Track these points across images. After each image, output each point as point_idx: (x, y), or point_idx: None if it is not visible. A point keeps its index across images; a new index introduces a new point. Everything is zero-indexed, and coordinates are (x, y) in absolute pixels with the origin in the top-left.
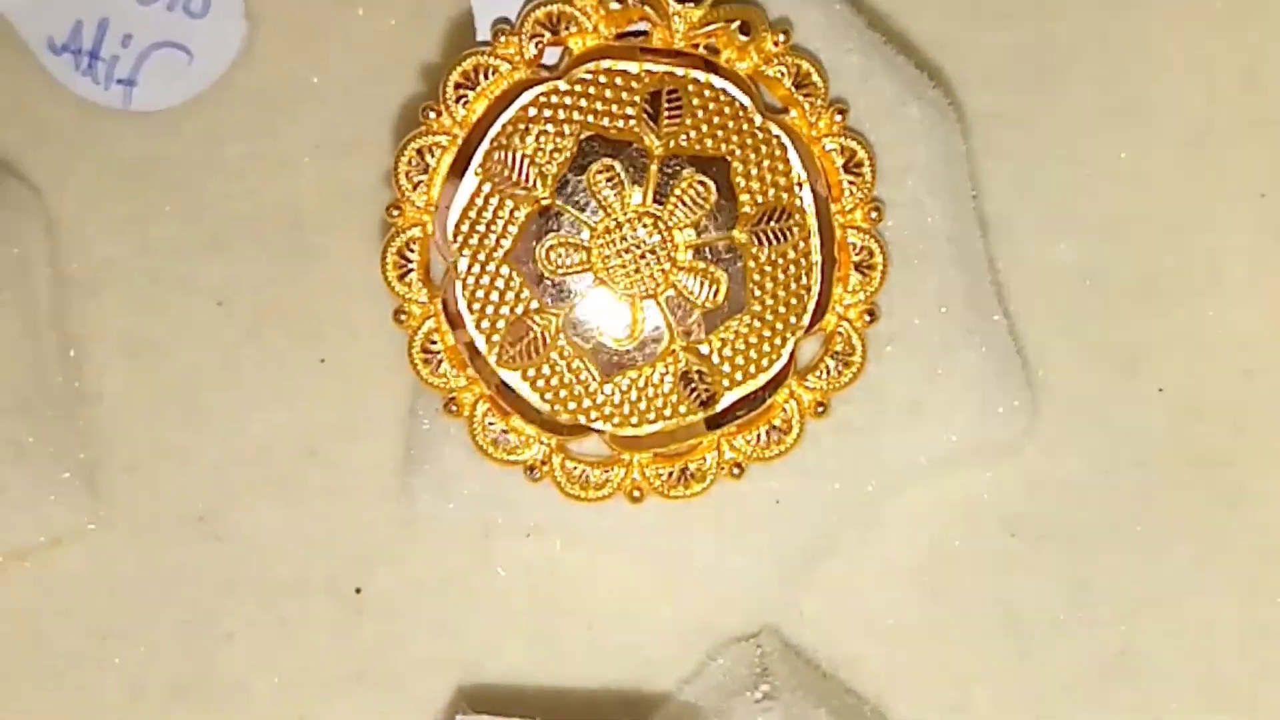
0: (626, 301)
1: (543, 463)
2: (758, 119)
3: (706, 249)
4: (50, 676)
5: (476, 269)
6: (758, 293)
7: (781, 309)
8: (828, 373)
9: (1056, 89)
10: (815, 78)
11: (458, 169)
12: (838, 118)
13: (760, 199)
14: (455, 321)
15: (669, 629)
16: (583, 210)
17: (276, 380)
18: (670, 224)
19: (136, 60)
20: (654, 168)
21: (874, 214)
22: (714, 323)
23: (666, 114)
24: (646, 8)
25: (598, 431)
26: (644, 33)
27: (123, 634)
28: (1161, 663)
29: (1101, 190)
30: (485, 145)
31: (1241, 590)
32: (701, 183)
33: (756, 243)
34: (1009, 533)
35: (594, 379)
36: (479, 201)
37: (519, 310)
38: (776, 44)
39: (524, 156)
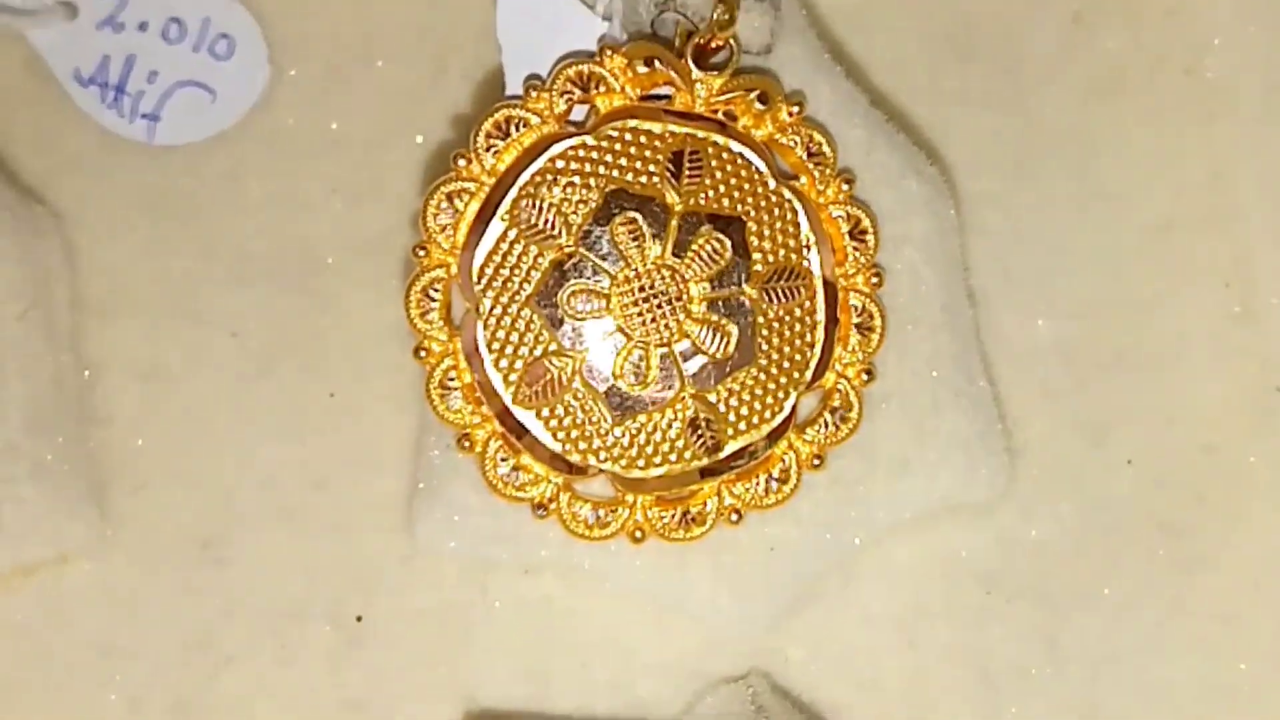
0: (641, 348)
1: (550, 500)
2: (771, 183)
3: (719, 303)
4: (51, 690)
5: (499, 310)
6: (765, 347)
7: (786, 364)
8: (826, 427)
9: (1037, 176)
10: (826, 148)
11: (484, 215)
12: (845, 187)
13: (771, 258)
14: (471, 360)
15: (661, 668)
16: (604, 259)
17: (286, 412)
18: (687, 277)
19: (161, 97)
20: (674, 223)
21: (875, 279)
22: (722, 373)
23: (688, 173)
24: (672, 73)
25: (605, 472)
26: (668, 96)
27: (125, 652)
28: (1128, 718)
29: (1076, 271)
30: (514, 193)
31: (1203, 651)
32: (718, 239)
33: (766, 299)
34: (985, 589)
35: (605, 421)
36: (504, 246)
37: (537, 352)
38: (791, 114)
39: (550, 205)
